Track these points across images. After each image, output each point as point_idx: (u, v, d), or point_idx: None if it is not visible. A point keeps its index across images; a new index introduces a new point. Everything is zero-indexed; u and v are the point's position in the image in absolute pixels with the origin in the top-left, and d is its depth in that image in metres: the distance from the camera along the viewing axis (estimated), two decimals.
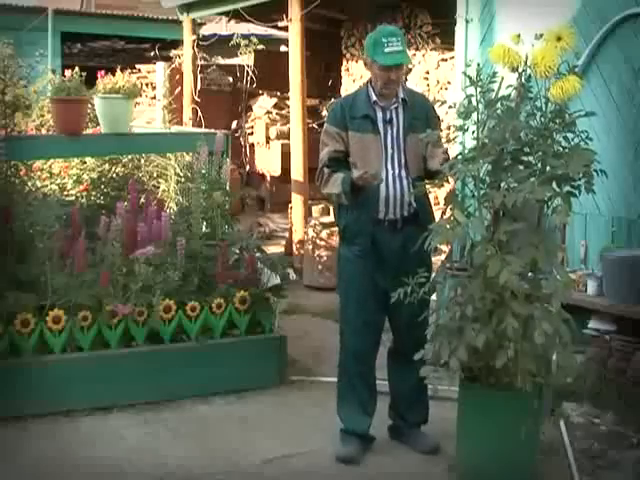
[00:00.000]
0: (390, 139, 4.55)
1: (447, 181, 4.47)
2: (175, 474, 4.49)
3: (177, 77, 11.25)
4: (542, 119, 4.23)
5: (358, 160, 4.53)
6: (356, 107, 4.59)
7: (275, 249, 9.28)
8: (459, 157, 4.31)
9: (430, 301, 4.54)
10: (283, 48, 13.74)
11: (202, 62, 12.42)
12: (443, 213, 4.36)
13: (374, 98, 4.58)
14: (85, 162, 7.46)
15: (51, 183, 7.33)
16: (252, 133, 13.02)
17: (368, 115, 4.55)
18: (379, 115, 4.56)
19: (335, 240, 8.51)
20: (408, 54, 4.55)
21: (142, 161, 7.77)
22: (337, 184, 4.50)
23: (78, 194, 7.35)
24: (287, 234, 9.85)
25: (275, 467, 4.59)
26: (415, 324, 4.48)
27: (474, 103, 4.25)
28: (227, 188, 6.37)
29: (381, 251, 4.56)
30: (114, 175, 7.58)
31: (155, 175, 7.66)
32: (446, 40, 9.48)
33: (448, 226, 4.17)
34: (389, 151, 4.54)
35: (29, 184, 6.73)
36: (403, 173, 4.53)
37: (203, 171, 6.23)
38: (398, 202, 4.52)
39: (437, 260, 8.39)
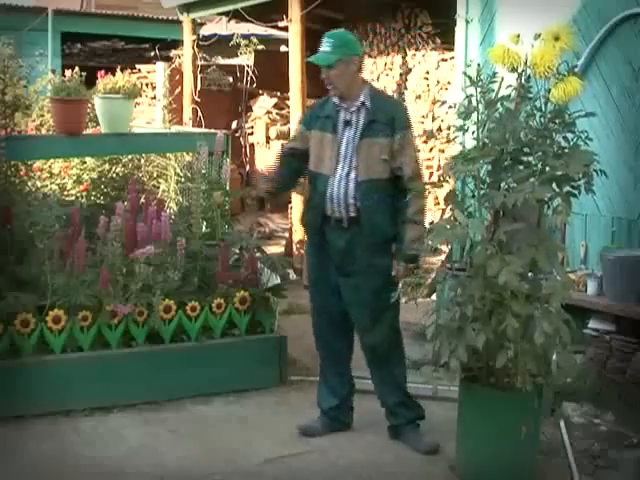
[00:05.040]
0: (346, 140, 4.67)
1: (447, 181, 4.49)
2: (175, 474, 4.49)
3: (177, 77, 11.25)
4: (542, 119, 4.23)
5: (314, 157, 4.76)
6: (324, 108, 4.81)
7: (275, 249, 9.28)
8: (459, 157, 4.32)
9: (386, 305, 4.67)
10: (283, 48, 13.74)
11: (202, 62, 12.42)
12: (443, 213, 4.37)
13: (336, 100, 4.72)
14: (85, 162, 7.46)
15: (51, 183, 7.33)
16: (252, 133, 13.02)
17: (330, 116, 4.72)
18: (340, 116, 4.70)
19: None
20: (333, 57, 4.58)
21: (142, 161, 7.77)
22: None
23: (78, 194, 7.35)
24: (287, 234, 9.85)
25: (275, 467, 4.59)
26: (366, 326, 4.76)
27: (474, 103, 4.26)
28: (227, 188, 6.38)
29: (328, 247, 4.75)
30: (114, 175, 7.58)
31: (155, 175, 7.66)
32: (446, 40, 9.48)
33: (448, 226, 4.18)
34: (342, 152, 4.67)
35: (29, 184, 6.74)
36: (352, 175, 4.62)
37: (203, 171, 6.23)
38: (342, 202, 4.63)
39: (437, 260, 8.46)
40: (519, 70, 4.21)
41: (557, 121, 4.21)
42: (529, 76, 4.23)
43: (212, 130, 7.15)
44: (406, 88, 10.63)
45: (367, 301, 4.67)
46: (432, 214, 9.74)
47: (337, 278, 4.74)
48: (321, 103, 4.89)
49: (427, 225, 4.64)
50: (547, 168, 4.15)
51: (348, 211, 4.62)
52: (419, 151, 4.82)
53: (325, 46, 4.63)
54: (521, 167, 4.26)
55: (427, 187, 4.70)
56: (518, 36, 4.19)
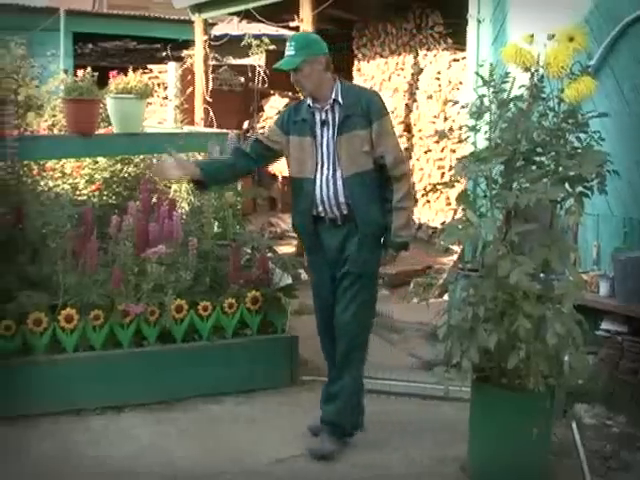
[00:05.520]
0: (325, 141, 4.65)
1: (458, 181, 4.49)
2: (185, 473, 4.50)
3: (189, 77, 11.26)
4: (555, 119, 4.22)
5: (295, 163, 4.73)
6: (298, 112, 4.76)
7: (286, 249, 9.27)
8: (471, 157, 4.31)
9: (368, 302, 4.71)
10: None
11: (214, 62, 12.44)
12: (455, 213, 4.37)
13: (309, 102, 4.71)
14: (97, 162, 7.47)
15: (63, 183, 7.34)
16: (263, 133, 13.02)
17: (305, 119, 4.69)
18: (316, 118, 4.68)
19: None
20: (297, 60, 4.56)
21: (154, 161, 7.77)
22: None
23: (90, 194, 7.36)
24: None
25: (285, 467, 4.59)
26: (344, 315, 4.68)
27: (486, 103, 4.25)
28: (238, 188, 6.38)
29: (324, 246, 4.74)
30: (126, 175, 7.58)
31: None
32: (458, 40, 9.47)
33: (460, 226, 4.17)
34: (324, 153, 4.65)
35: (41, 184, 6.76)
36: (338, 174, 4.61)
37: None
38: (333, 202, 4.62)
39: (449, 260, 8.45)
40: (532, 70, 4.21)
41: (570, 121, 4.20)
42: (542, 76, 4.22)
43: (224, 130, 7.15)
44: (417, 88, 10.63)
45: (352, 289, 4.64)
46: (444, 214, 9.76)
47: (335, 277, 4.72)
48: (295, 107, 4.85)
49: (413, 208, 4.65)
50: (560, 168, 4.14)
51: (340, 209, 4.62)
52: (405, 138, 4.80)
53: (289, 50, 4.60)
54: (534, 167, 4.25)
55: (410, 171, 4.73)
56: (532, 36, 4.18)
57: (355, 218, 4.60)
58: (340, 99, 4.63)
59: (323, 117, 4.65)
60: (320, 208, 4.66)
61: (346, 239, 4.64)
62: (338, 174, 4.60)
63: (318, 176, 4.63)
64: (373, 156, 4.58)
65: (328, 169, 4.63)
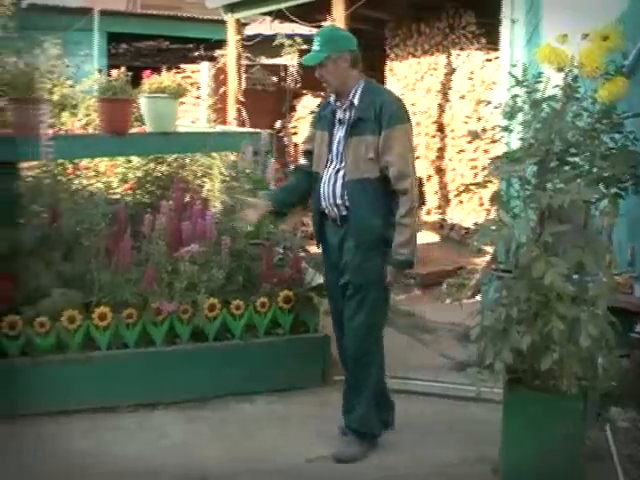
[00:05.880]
0: (337, 140, 4.65)
1: (491, 182, 4.47)
2: (215, 471, 4.52)
3: (221, 77, 11.30)
4: (589, 120, 4.19)
5: (315, 157, 4.79)
6: (325, 108, 4.80)
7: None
8: (504, 157, 4.29)
9: (374, 306, 4.63)
10: None
11: (246, 62, 12.47)
12: (488, 213, 4.36)
13: (332, 99, 4.71)
14: (130, 161, 7.52)
15: (97, 181, 7.40)
16: (296, 133, 13.05)
17: (327, 116, 4.71)
18: (337, 115, 4.67)
19: None
20: (321, 55, 4.53)
21: (187, 160, 7.81)
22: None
23: (123, 192, 7.41)
24: None
25: (315, 467, 4.60)
26: (350, 323, 4.66)
27: (519, 103, 4.24)
28: (271, 187, 6.39)
29: (328, 244, 4.78)
30: (159, 174, 7.63)
31: (200, 174, 7.70)
32: (491, 40, 9.43)
33: (493, 227, 4.15)
34: (334, 151, 4.65)
35: (76, 182, 6.81)
36: (339, 175, 4.60)
37: (248, 170, 6.25)
38: (331, 201, 4.63)
39: (481, 261, 8.41)
40: (566, 70, 4.18)
41: (604, 121, 4.16)
42: (576, 76, 4.19)
43: (256, 130, 7.18)
44: (450, 88, 10.60)
45: (355, 299, 4.61)
46: (477, 215, 9.73)
47: (339, 276, 4.71)
48: (325, 103, 4.87)
49: (416, 226, 4.55)
50: (594, 169, 4.11)
51: (339, 210, 4.61)
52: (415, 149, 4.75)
53: (314, 45, 4.57)
54: (567, 168, 4.22)
55: (414, 187, 4.54)
56: (565, 36, 4.15)
57: (350, 221, 4.58)
58: (356, 100, 4.58)
59: (340, 116, 4.64)
60: (323, 205, 4.67)
61: (344, 239, 4.63)
62: (340, 175, 4.59)
63: (325, 173, 4.65)
64: (379, 165, 4.51)
65: (334, 168, 4.63)
